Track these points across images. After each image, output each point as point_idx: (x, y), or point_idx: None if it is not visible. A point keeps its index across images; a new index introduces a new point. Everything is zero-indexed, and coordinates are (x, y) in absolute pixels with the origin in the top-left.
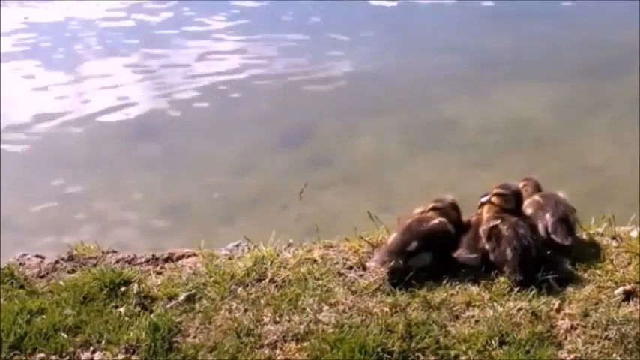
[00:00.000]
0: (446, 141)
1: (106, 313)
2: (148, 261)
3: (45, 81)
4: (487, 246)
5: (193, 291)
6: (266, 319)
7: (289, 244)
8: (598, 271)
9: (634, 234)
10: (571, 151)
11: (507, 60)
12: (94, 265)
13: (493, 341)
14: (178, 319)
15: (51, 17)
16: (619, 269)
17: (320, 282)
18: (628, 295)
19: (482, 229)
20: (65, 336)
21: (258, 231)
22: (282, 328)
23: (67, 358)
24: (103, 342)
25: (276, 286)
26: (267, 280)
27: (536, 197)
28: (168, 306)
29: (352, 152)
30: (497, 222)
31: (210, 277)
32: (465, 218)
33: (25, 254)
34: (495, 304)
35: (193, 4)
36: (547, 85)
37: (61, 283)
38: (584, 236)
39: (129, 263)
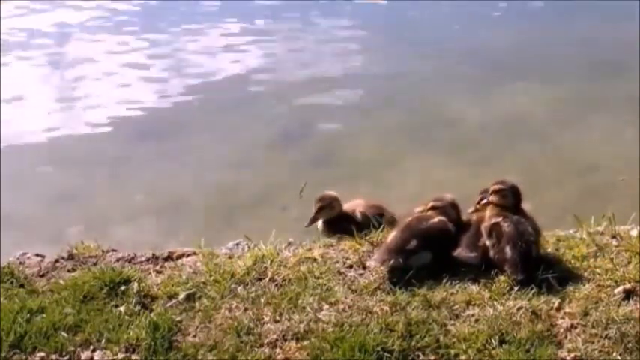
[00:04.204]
0: (446, 140)
1: (106, 312)
2: (148, 260)
3: (44, 79)
4: (487, 242)
5: (193, 290)
6: (266, 318)
7: (289, 243)
8: (598, 270)
9: (634, 233)
10: (571, 149)
11: (507, 59)
12: (94, 264)
13: (493, 340)
14: (178, 318)
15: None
16: (619, 268)
17: (320, 281)
18: (628, 294)
19: (484, 226)
20: (65, 335)
21: (258, 230)
22: (282, 327)
23: (67, 357)
24: (103, 341)
25: (276, 285)
26: (267, 279)
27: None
28: (169, 305)
29: (352, 150)
30: (499, 219)
31: (210, 276)
32: (464, 217)
33: (25, 253)
34: (495, 302)
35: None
36: (547, 83)
37: (61, 282)
38: (584, 235)
39: (129, 262)
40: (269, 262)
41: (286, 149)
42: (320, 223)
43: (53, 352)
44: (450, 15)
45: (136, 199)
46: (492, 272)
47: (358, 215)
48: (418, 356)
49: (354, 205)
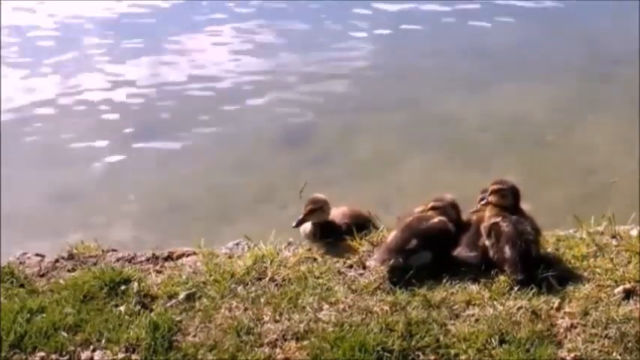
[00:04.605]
0: (446, 140)
1: (106, 312)
2: (148, 260)
3: (44, 77)
4: (487, 242)
5: (193, 290)
6: (266, 318)
7: (289, 243)
8: (598, 270)
9: (634, 233)
10: (571, 150)
11: (507, 59)
12: (94, 264)
13: (493, 340)
14: (178, 318)
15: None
16: (619, 268)
17: (320, 281)
18: (628, 294)
19: (484, 226)
20: (65, 335)
21: (258, 230)
22: (282, 327)
23: (67, 357)
24: (103, 341)
25: (276, 284)
26: (267, 278)
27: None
28: (169, 305)
29: (352, 151)
30: (499, 219)
31: (210, 275)
32: (464, 217)
33: (25, 253)
34: (495, 302)
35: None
36: (547, 84)
37: (61, 282)
38: (584, 235)
39: (129, 262)
40: (269, 262)
41: (286, 149)
42: (308, 226)
43: (53, 352)
44: (450, 14)
45: (136, 199)
46: (492, 272)
47: (343, 227)
48: (418, 356)
49: (339, 215)
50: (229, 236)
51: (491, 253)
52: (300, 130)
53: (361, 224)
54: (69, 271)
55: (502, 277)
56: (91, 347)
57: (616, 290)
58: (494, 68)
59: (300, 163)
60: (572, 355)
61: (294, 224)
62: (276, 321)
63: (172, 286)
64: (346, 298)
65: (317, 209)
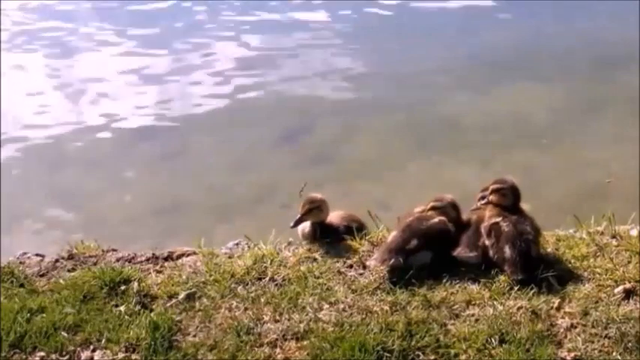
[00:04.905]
0: (446, 140)
1: (106, 312)
2: (148, 260)
3: (44, 78)
4: (487, 242)
5: (193, 290)
6: (266, 318)
7: (289, 243)
8: (598, 270)
9: (634, 232)
10: (571, 149)
11: (508, 59)
12: (94, 264)
13: (493, 340)
14: (178, 318)
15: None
16: (619, 268)
17: (320, 281)
18: (628, 294)
19: (484, 226)
20: (65, 335)
21: (258, 230)
22: (282, 327)
23: (67, 356)
24: (103, 341)
25: (276, 284)
26: (267, 278)
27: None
28: (169, 305)
29: (352, 150)
30: (499, 219)
31: (210, 275)
32: (464, 217)
33: (25, 253)
34: (495, 302)
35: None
36: (547, 84)
37: (61, 281)
38: (584, 235)
39: (129, 262)
40: (269, 262)
41: (286, 149)
42: (307, 226)
43: (53, 352)
44: (450, 14)
45: (136, 199)
46: (492, 272)
47: (342, 228)
48: (418, 356)
49: (335, 218)
50: (229, 236)
51: (491, 253)
52: (301, 130)
53: (357, 229)
54: (69, 271)
55: (502, 277)
56: (91, 347)
57: (616, 290)
58: (494, 68)
59: (301, 162)
60: (572, 355)
61: (291, 224)
62: (276, 321)
63: (172, 286)
64: (346, 298)
65: (314, 208)
